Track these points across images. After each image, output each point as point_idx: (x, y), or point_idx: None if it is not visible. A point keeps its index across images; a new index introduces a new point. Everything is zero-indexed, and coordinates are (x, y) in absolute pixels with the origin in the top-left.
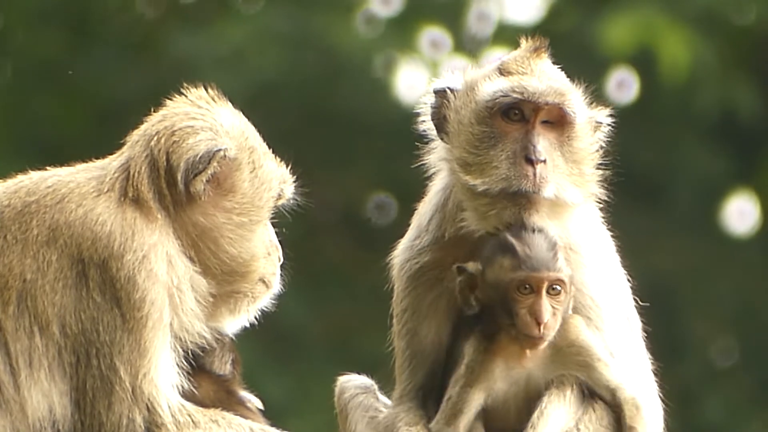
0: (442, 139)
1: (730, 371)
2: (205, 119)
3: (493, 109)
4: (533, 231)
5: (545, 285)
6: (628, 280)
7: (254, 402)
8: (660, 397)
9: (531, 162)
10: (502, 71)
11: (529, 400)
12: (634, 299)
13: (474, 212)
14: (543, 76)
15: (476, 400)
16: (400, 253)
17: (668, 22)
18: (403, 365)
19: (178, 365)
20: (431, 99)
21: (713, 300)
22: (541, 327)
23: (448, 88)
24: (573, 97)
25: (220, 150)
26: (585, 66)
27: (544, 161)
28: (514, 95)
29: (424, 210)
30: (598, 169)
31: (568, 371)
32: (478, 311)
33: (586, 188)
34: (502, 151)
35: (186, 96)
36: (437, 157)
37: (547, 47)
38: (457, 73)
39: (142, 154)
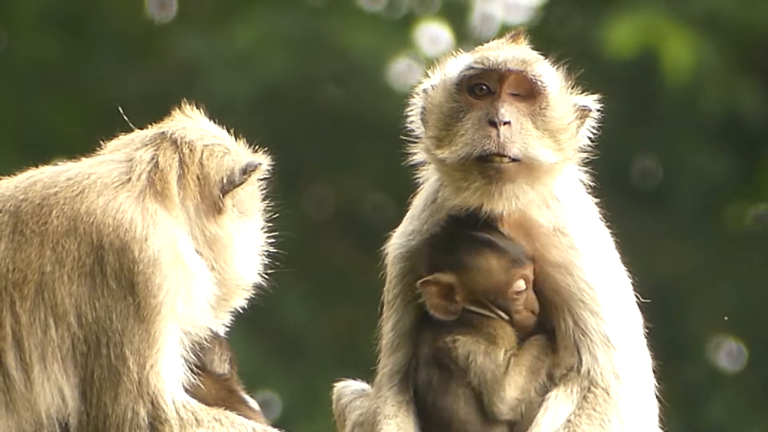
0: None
1: (733, 373)
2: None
3: (460, 84)
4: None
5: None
6: (629, 277)
7: (250, 404)
8: (659, 396)
9: (494, 124)
10: (472, 53)
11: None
12: (636, 295)
13: (451, 187)
14: (508, 49)
15: None
16: (393, 241)
17: (672, 23)
18: (383, 348)
19: (184, 358)
20: (419, 99)
21: (717, 302)
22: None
23: (432, 85)
24: (539, 66)
25: (260, 164)
26: (589, 67)
27: (509, 123)
28: (476, 65)
29: (417, 201)
30: (577, 143)
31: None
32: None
33: (561, 153)
34: (469, 120)
35: (188, 109)
36: (422, 151)
37: (525, 35)
38: (439, 69)
39: (173, 155)
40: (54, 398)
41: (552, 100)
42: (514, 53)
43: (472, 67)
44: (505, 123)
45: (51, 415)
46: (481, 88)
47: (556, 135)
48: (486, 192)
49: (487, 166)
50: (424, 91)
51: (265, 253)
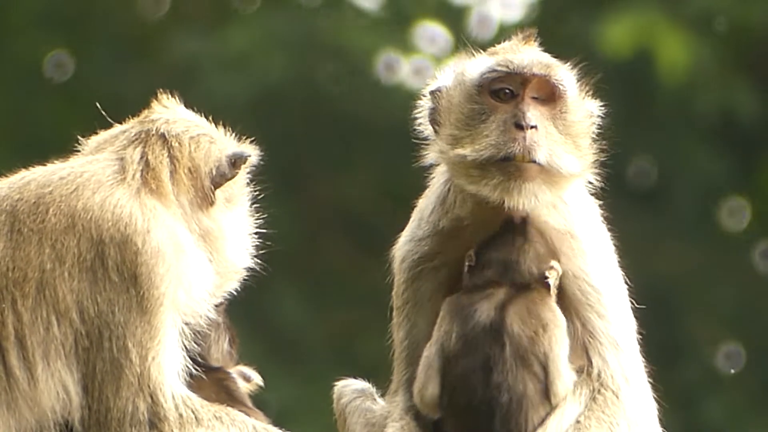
0: (436, 132)
1: (731, 374)
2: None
3: (482, 86)
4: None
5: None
6: (626, 282)
7: (253, 377)
8: (656, 398)
9: (521, 127)
10: (490, 54)
11: None
12: (631, 301)
13: (467, 181)
14: (529, 53)
15: None
16: (401, 245)
17: (667, 23)
18: (399, 356)
19: (185, 348)
20: (427, 101)
21: (714, 303)
22: None
23: (443, 86)
24: (560, 71)
25: (249, 155)
26: (584, 67)
27: (535, 127)
28: (500, 68)
29: (425, 203)
30: (594, 149)
31: None
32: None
33: (581, 160)
34: (493, 122)
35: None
36: (434, 152)
37: (536, 36)
38: (449, 70)
39: (162, 151)
40: (59, 395)
41: (571, 104)
42: (537, 57)
43: (495, 70)
44: (531, 127)
45: (56, 412)
46: (504, 91)
47: (576, 140)
48: (505, 188)
49: (508, 164)
50: (434, 92)
51: (255, 236)
